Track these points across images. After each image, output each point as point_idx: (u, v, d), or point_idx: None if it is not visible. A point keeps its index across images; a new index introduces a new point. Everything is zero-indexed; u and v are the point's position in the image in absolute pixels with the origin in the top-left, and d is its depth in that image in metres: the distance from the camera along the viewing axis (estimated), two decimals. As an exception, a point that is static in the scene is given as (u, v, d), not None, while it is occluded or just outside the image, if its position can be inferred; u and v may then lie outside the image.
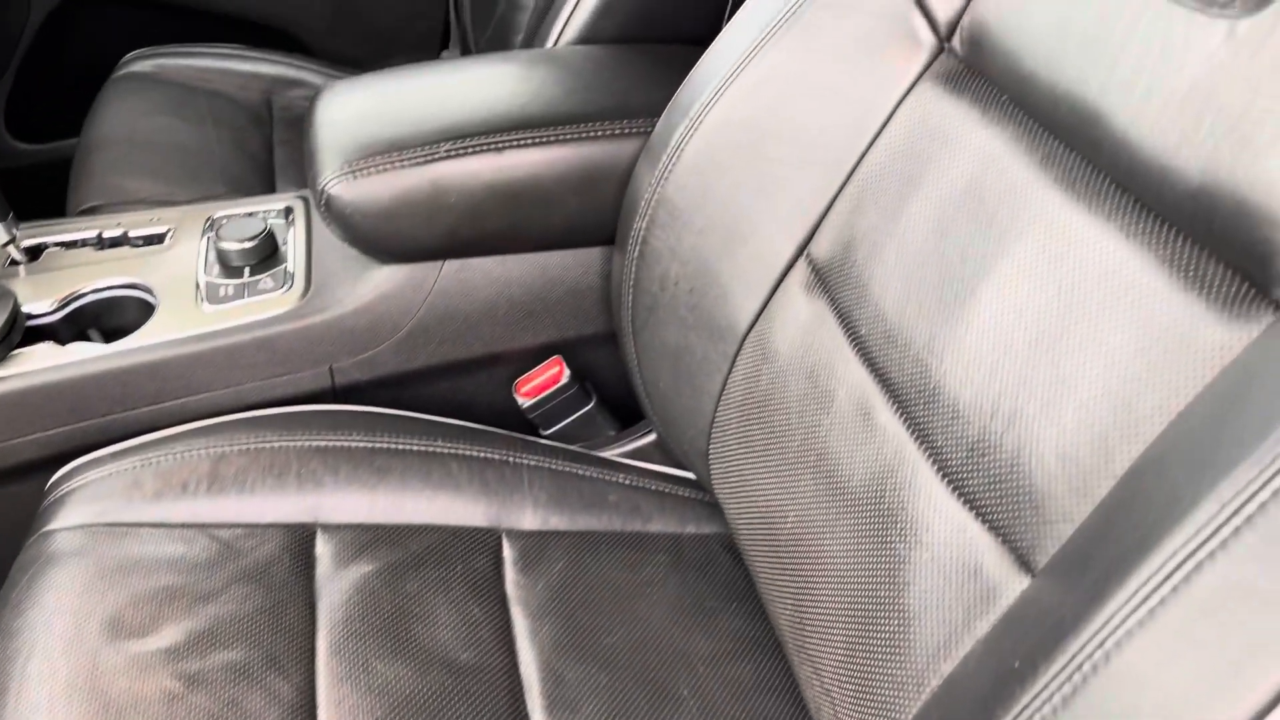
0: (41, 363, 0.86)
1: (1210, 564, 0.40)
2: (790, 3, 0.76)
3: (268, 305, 0.90)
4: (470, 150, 0.87)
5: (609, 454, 0.99)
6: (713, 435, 0.83)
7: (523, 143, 0.88)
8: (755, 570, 0.76)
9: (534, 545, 0.84)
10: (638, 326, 0.88)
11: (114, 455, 0.83)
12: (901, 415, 0.63)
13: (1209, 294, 0.48)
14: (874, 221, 0.70)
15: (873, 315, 0.68)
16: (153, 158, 1.29)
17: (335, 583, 0.77)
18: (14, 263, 0.95)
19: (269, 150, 1.40)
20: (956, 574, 0.56)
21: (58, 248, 0.98)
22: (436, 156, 0.86)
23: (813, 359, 0.72)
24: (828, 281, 0.73)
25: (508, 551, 0.83)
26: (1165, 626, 0.40)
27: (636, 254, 0.86)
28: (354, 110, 0.92)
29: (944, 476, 0.59)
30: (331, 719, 0.69)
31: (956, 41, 0.69)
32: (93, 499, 0.80)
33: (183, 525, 0.79)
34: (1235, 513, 0.40)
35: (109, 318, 0.94)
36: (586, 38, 1.07)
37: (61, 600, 0.72)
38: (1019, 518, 0.53)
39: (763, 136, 0.78)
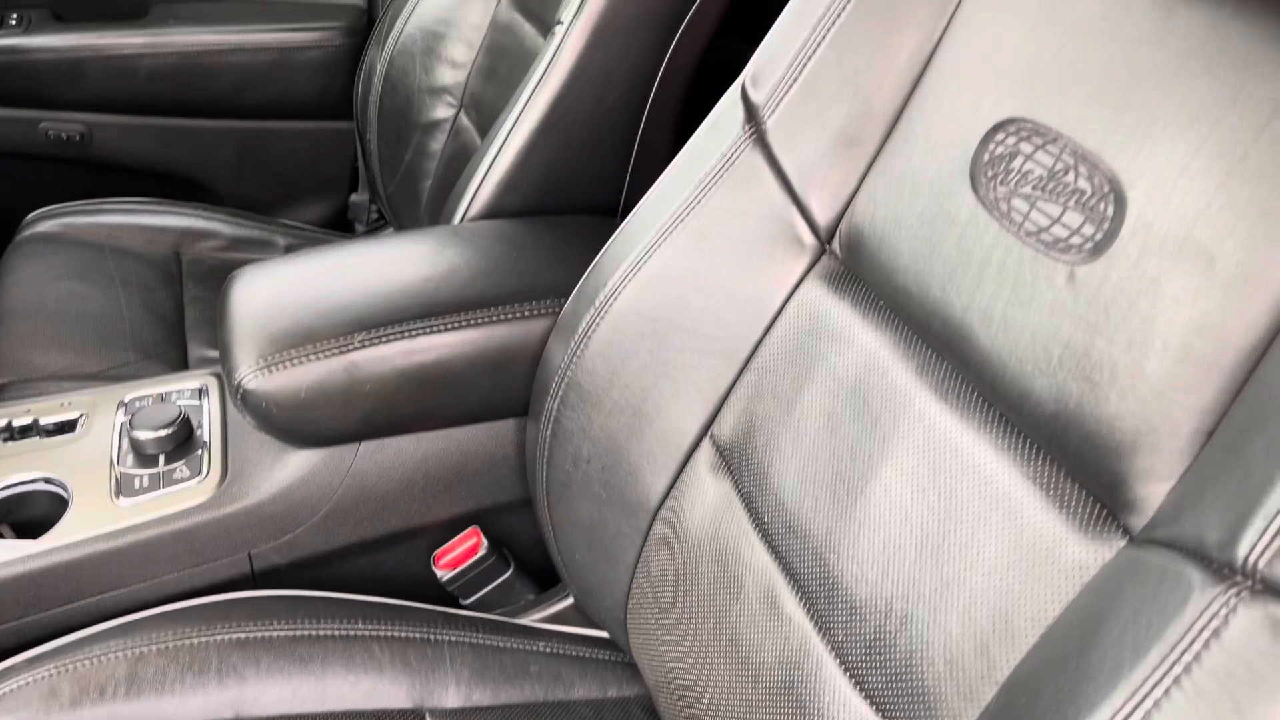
0: (-49, 566, 0.85)
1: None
2: (684, 203, 0.81)
3: (184, 496, 0.91)
4: (384, 339, 0.90)
5: (529, 619, 1.01)
6: (629, 607, 0.85)
7: (434, 329, 0.91)
8: (676, 743, 0.79)
9: (458, 726, 0.85)
10: (553, 501, 0.91)
11: (29, 662, 0.82)
12: (805, 606, 0.67)
13: (1069, 513, 0.53)
14: (770, 411, 0.75)
15: (774, 504, 0.72)
16: (61, 327, 1.29)
17: (260, 785, 0.77)
18: (-81, 457, 0.95)
19: (179, 310, 1.41)
20: (863, 770, 0.59)
21: (-35, 440, 0.97)
22: (351, 347, 0.89)
23: (721, 542, 0.76)
24: (732, 464, 0.77)
25: (432, 734, 0.84)
26: None
27: (550, 433, 0.89)
28: (266, 299, 0.94)
29: (846, 671, 0.62)
30: None
31: (837, 245, 0.75)
32: (9, 711, 0.79)
33: (102, 734, 0.78)
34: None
35: (20, 511, 0.94)
36: (493, 211, 1.12)
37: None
38: (915, 718, 0.57)
39: (664, 326, 0.82)
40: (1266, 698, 0.41)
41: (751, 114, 0.78)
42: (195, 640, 0.84)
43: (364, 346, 0.89)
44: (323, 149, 1.85)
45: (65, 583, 0.87)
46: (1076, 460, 0.53)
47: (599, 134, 1.13)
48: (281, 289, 0.96)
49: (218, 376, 1.05)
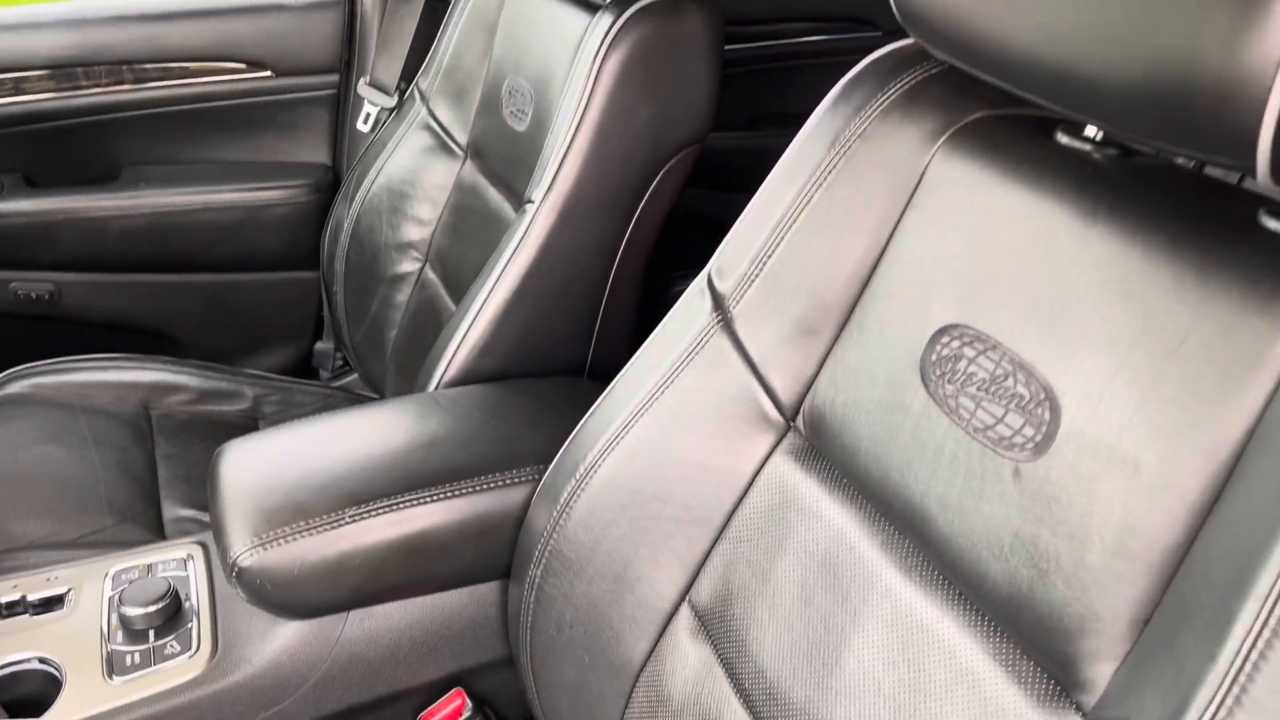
0: (-56, 755, 0.86)
1: None
2: (659, 382, 0.87)
3: (176, 672, 0.93)
4: (373, 513, 0.94)
5: (514, 777, 1.04)
6: (615, 768, 0.89)
7: (421, 500, 0.96)
8: None
9: None
10: (536, 664, 0.95)
11: None
12: (790, 773, 0.71)
13: (1027, 689, 0.59)
14: (746, 579, 0.80)
15: (754, 670, 0.77)
16: (37, 493, 1.31)
17: None
18: (-93, 641, 0.96)
19: (152, 469, 1.44)
20: None
21: (-48, 620, 0.99)
22: (342, 521, 0.93)
23: (704, 707, 0.80)
24: (711, 629, 0.82)
25: None
26: None
27: (533, 598, 0.94)
28: (257, 475, 0.98)
29: (833, 838, 0.67)
30: None
31: (801, 423, 0.81)
32: None
33: None
34: None
35: (12, 690, 0.95)
36: (469, 374, 1.18)
37: None
38: None
39: (642, 496, 0.88)
40: None
41: (718, 303, 0.86)
42: (190, 819, 0.86)
43: (354, 520, 0.93)
44: (289, 298, 1.90)
45: (61, 765, 0.88)
46: (1031, 640, 0.59)
47: (568, 301, 1.21)
48: (271, 465, 1.00)
49: (202, 545, 1.08)
